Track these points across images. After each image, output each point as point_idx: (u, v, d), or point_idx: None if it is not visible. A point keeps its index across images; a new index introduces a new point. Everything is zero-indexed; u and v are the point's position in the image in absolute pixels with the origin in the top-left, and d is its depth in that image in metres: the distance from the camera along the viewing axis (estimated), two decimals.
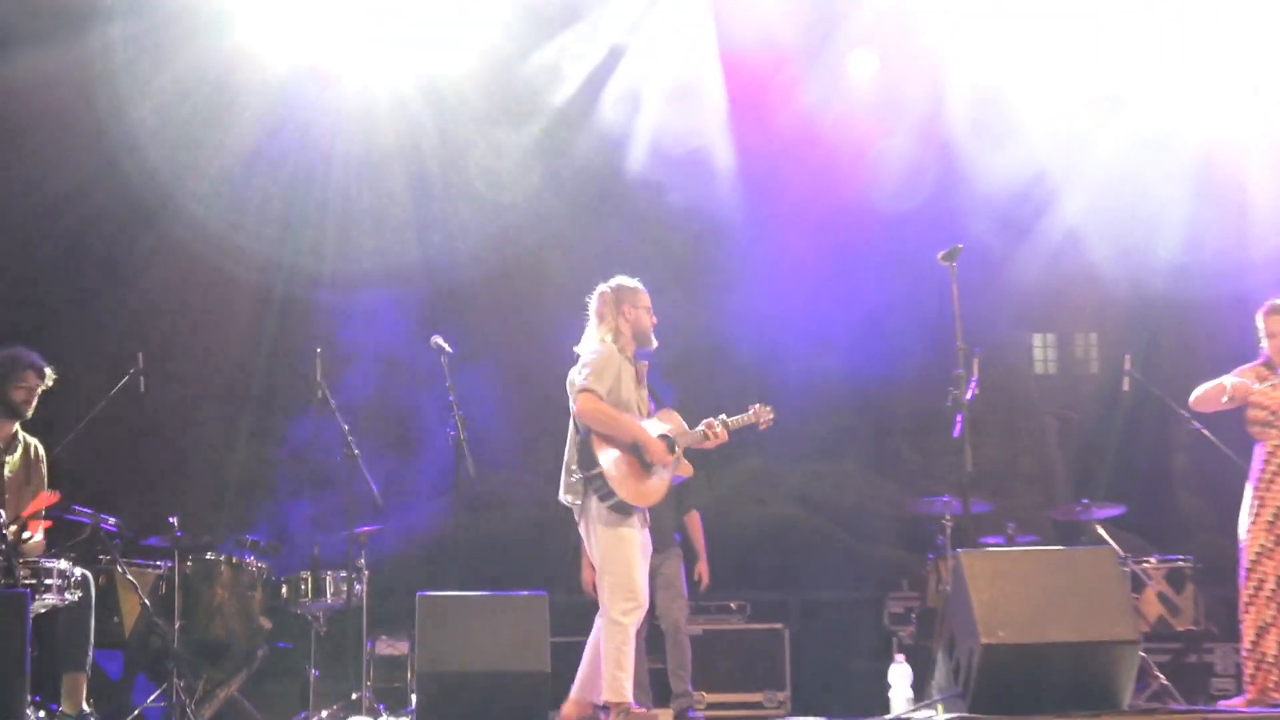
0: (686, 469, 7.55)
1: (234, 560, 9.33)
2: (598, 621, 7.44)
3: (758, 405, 7.79)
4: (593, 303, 7.56)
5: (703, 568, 9.51)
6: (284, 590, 9.53)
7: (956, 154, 12.35)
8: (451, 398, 7.82)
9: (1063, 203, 12.62)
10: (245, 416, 13.12)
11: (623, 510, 7.25)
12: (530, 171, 12.54)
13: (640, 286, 7.57)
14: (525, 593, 7.39)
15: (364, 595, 9.42)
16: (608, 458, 7.20)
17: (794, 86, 12.24)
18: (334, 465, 9.09)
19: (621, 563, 7.26)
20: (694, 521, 9.55)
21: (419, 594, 7.29)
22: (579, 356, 7.45)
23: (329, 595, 9.44)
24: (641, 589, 7.33)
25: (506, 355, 12.89)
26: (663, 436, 7.46)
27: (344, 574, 9.36)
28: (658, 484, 7.39)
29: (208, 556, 9.34)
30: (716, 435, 7.57)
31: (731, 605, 10.90)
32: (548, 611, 7.28)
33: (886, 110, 12.26)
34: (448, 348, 7.93)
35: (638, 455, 7.30)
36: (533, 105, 12.11)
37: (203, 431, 13.01)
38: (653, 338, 7.53)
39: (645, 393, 7.55)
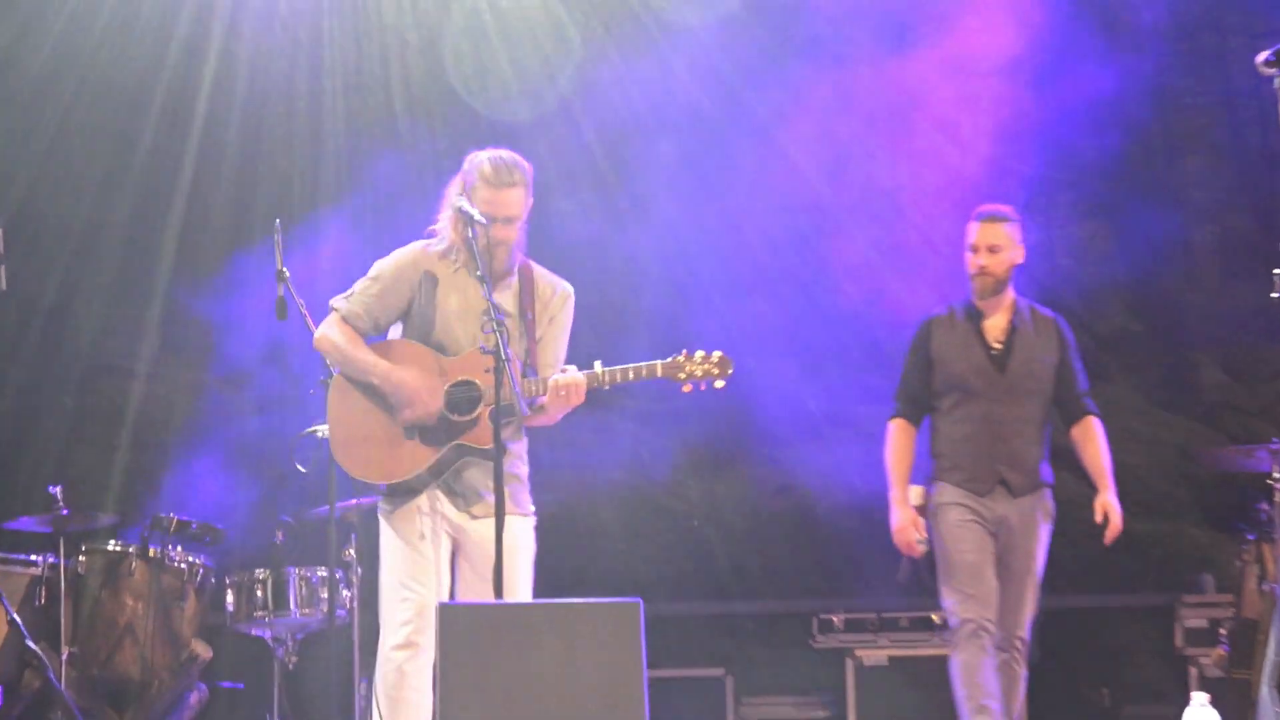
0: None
1: (151, 552, 9.43)
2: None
3: (700, 353, 7.65)
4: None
5: (1107, 500, 8.74)
6: (230, 599, 9.62)
7: None
8: (485, 291, 7.70)
9: None
10: (161, 325, 13.16)
11: None
12: None
13: None
14: (608, 599, 7.39)
15: (354, 606, 9.48)
16: None
17: None
18: (306, 402, 9.12)
19: None
20: (1089, 431, 8.92)
21: (440, 603, 7.32)
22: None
23: (299, 607, 9.53)
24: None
25: None
26: None
27: (322, 573, 9.43)
28: None
29: (110, 547, 9.45)
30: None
31: (934, 617, 10.94)
32: (643, 629, 7.28)
33: None
34: (479, 216, 7.85)
35: None
36: None
37: (97, 349, 13.10)
38: None
39: None
